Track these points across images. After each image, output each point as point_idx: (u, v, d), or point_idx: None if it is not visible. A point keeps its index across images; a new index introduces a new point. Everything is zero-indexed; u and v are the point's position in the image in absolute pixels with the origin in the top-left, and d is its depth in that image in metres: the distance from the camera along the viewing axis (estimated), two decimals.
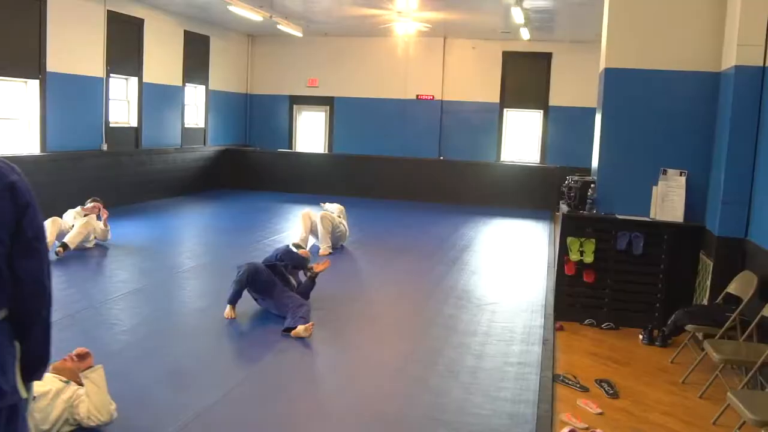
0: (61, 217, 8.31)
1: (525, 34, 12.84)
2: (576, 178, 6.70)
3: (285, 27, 13.40)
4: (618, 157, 6.35)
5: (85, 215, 8.44)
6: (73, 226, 8.18)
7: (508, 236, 10.99)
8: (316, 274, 6.38)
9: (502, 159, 15.49)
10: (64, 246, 7.86)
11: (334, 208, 9.51)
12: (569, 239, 6.27)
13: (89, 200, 8.81)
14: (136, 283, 7.09)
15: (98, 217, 8.59)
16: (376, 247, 9.62)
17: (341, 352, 5.38)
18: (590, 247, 6.24)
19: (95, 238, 8.53)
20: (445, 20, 12.91)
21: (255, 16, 11.97)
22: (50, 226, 7.78)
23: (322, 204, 9.75)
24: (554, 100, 15.13)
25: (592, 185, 6.44)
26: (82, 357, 3.92)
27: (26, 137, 10.19)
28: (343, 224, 9.20)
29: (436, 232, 10.88)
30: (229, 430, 3.88)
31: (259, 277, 5.95)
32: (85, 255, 8.14)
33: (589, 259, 6.22)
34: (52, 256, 7.51)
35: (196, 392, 4.33)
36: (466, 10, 11.83)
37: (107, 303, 6.22)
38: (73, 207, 8.70)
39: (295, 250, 6.47)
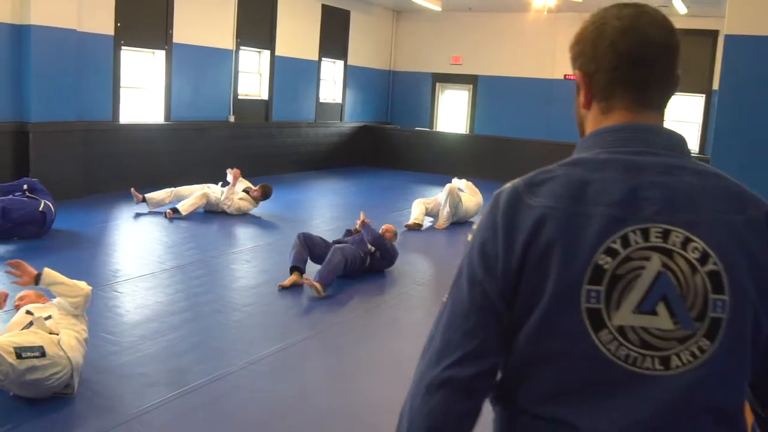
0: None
1: (680, 7, 11.45)
2: None
3: (422, 0, 12.89)
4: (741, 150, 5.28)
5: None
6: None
7: None
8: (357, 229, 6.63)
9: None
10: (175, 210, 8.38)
11: (462, 184, 9.61)
12: None
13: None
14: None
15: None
16: None
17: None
18: None
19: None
20: None
21: None
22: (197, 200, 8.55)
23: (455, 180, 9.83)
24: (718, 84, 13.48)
25: None
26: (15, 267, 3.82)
27: (152, 106, 10.49)
28: (465, 202, 9.26)
29: None
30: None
31: (313, 240, 6.18)
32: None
33: None
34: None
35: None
36: None
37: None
38: (199, 177, 9.19)
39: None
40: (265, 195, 8.97)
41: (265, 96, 12.70)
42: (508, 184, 1.30)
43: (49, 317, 3.73)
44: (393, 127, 15.88)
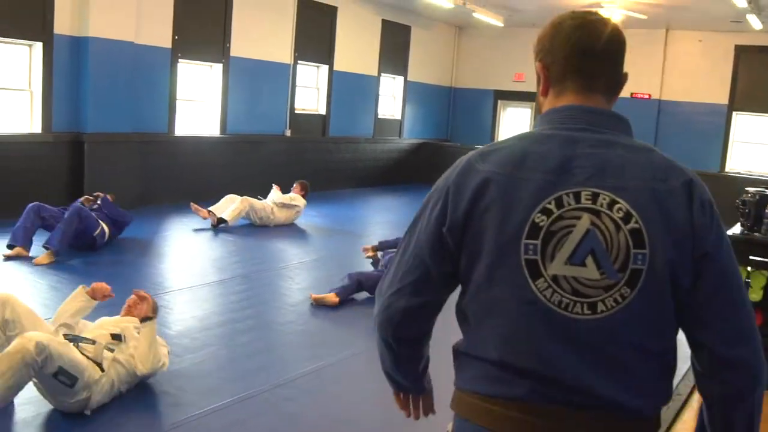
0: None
1: (755, 22, 10.88)
2: (754, 190, 5.27)
3: (482, 15, 12.64)
4: None
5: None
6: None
7: None
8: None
9: (726, 169, 13.44)
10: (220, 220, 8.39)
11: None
12: None
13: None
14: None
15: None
16: None
17: None
18: (760, 281, 4.85)
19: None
20: (668, 7, 11.34)
21: (446, 2, 11.37)
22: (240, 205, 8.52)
23: None
24: None
25: None
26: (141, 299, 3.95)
27: (208, 119, 10.50)
28: None
29: None
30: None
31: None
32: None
33: (756, 296, 4.83)
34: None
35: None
36: None
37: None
38: (253, 191, 9.06)
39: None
40: (305, 188, 9.12)
41: (322, 111, 12.62)
42: (468, 154, 1.49)
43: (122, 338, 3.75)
44: (453, 145, 15.60)
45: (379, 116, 14.07)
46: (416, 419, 1.76)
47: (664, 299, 1.39)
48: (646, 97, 13.97)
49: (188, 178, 9.91)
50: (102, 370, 3.49)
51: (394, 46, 14.07)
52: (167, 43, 9.49)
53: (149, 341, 3.75)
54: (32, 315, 3.71)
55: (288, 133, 11.77)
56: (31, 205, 6.62)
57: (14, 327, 3.54)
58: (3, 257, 6.27)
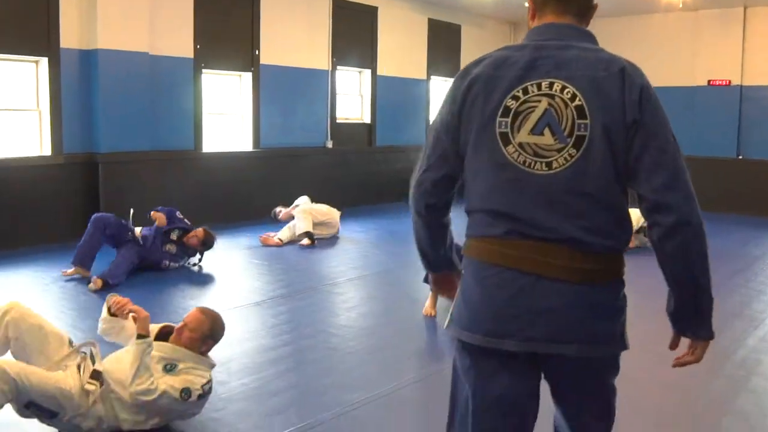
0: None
1: None
2: None
3: None
4: None
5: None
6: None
7: None
8: None
9: None
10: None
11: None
12: None
13: None
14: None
15: None
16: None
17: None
18: None
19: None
20: None
21: None
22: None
23: None
24: None
25: None
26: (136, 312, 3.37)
27: (239, 133, 9.79)
28: None
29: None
30: None
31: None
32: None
33: None
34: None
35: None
36: None
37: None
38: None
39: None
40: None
41: (367, 119, 11.77)
42: (467, 64, 2.04)
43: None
44: None
45: (431, 121, 13.11)
46: (451, 298, 2.10)
47: (605, 158, 1.84)
48: (725, 83, 12.56)
49: (220, 196, 9.20)
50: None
51: (444, 46, 13.10)
52: (188, 53, 8.82)
53: (131, 361, 3.17)
54: (39, 332, 3.30)
55: (329, 144, 10.95)
56: (93, 218, 6.31)
57: (16, 345, 3.25)
58: (63, 276, 6.14)
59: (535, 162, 1.85)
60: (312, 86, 10.62)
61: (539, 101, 1.85)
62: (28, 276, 6.30)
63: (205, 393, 3.25)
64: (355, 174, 11.30)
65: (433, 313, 5.24)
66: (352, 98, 11.60)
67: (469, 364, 1.96)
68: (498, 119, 1.88)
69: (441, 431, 3.22)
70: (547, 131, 1.84)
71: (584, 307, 1.83)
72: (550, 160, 1.84)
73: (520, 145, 1.86)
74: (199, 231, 6.82)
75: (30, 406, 2.96)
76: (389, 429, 3.40)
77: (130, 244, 6.30)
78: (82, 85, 7.82)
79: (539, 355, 1.89)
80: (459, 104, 1.94)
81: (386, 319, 5.37)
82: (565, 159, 1.83)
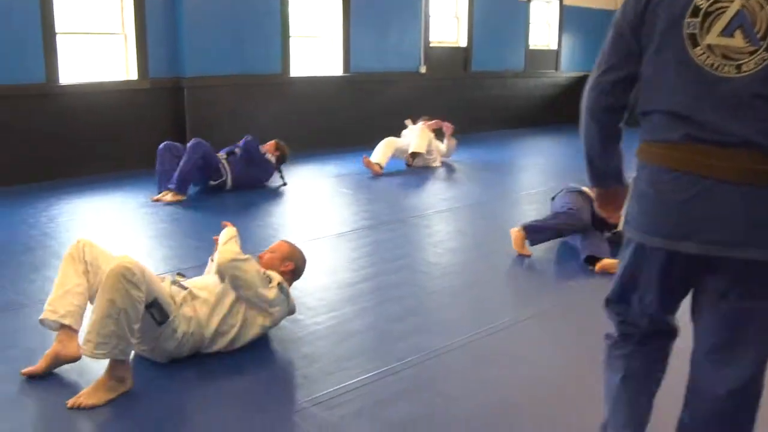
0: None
1: None
2: None
3: None
4: None
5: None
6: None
7: None
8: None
9: None
10: (413, 155, 8.04)
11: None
12: None
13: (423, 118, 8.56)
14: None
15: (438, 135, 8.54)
16: None
17: None
18: None
19: (440, 156, 8.43)
20: None
21: None
22: (384, 147, 7.81)
23: None
24: None
25: None
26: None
27: (329, 58, 9.42)
28: None
29: None
30: None
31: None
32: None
33: None
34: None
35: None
36: None
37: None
38: (383, 136, 8.14)
39: None
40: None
41: (463, 43, 11.13)
42: None
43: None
44: None
45: (531, 47, 12.34)
46: (617, 221, 2.45)
47: None
48: None
49: (308, 122, 8.92)
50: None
51: None
52: None
53: (254, 273, 3.21)
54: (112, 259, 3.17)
55: (423, 69, 10.42)
56: (160, 147, 6.40)
57: (96, 271, 3.10)
58: (151, 201, 6.22)
59: (724, 65, 1.81)
60: (405, 7, 10.06)
61: (732, 1, 1.79)
62: (114, 201, 6.26)
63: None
64: (449, 100, 10.76)
65: (529, 253, 4.80)
66: (447, 20, 10.96)
67: (641, 265, 2.00)
68: (686, 20, 1.83)
69: (538, 386, 2.91)
70: (738, 33, 1.79)
71: (763, 211, 1.80)
72: (740, 63, 1.79)
73: (709, 46, 1.81)
74: (270, 143, 6.97)
75: (153, 305, 2.88)
76: (475, 382, 3.03)
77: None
78: (167, 8, 7.58)
79: (710, 263, 1.87)
80: (643, 3, 1.90)
81: (476, 256, 4.98)
82: (756, 63, 1.77)
